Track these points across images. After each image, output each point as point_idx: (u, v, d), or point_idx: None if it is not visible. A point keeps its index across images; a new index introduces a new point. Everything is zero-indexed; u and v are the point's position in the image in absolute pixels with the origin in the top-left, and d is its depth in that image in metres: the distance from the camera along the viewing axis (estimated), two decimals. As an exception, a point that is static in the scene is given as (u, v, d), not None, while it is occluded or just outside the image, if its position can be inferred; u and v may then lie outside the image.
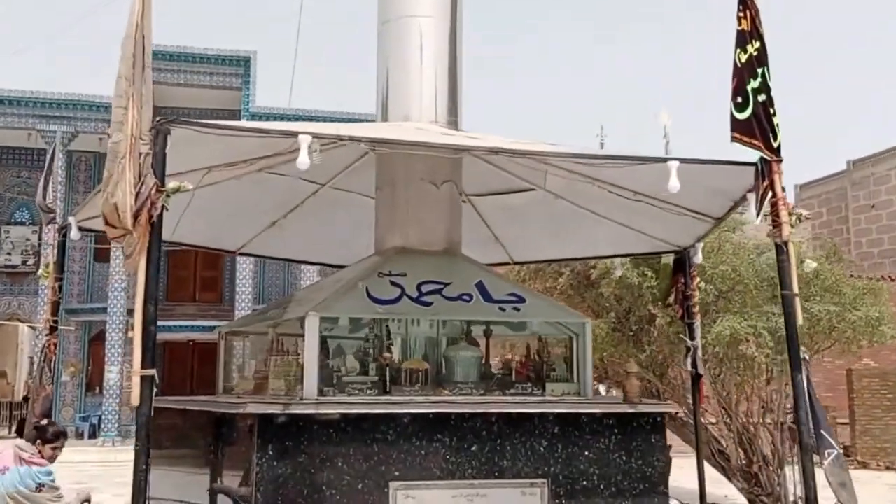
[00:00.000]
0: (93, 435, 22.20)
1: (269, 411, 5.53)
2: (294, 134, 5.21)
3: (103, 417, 22.00)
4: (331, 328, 6.54)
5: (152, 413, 4.80)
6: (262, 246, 9.36)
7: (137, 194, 4.76)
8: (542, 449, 5.94)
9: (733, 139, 5.77)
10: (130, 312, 22.79)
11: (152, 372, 4.77)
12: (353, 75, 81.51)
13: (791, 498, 11.10)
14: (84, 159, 26.21)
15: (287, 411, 5.56)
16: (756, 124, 5.71)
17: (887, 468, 19.00)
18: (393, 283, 6.69)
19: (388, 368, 6.34)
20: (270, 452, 5.52)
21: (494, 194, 8.81)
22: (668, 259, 9.38)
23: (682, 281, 9.08)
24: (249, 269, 23.75)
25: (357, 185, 8.70)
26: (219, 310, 25.80)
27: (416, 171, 7.41)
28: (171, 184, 4.91)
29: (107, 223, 4.76)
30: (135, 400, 4.71)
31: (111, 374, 21.81)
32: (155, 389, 4.80)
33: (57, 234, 7.51)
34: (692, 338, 8.85)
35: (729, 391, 15.68)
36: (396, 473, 5.72)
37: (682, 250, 9.03)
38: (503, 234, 9.38)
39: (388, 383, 6.29)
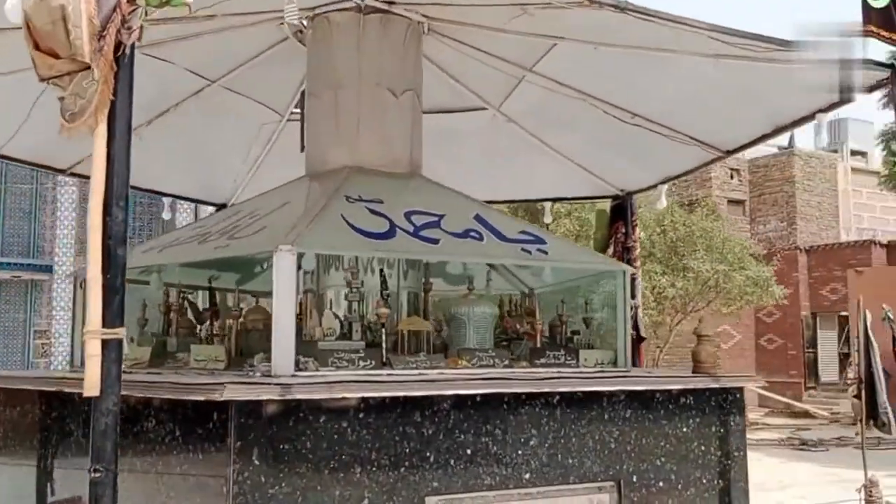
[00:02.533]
0: None
1: (262, 397, 3.43)
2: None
3: None
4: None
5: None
6: (104, 165, 6.82)
7: (98, 1, 2.53)
8: (612, 441, 4.32)
9: (866, 33, 4.46)
10: None
11: (121, 333, 2.58)
12: None
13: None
14: None
15: (288, 396, 3.48)
16: None
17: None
18: (373, 212, 4.73)
19: (384, 330, 4.41)
20: (256, 461, 3.44)
21: (426, 113, 6.97)
22: (605, 205, 8.15)
23: (623, 230, 7.94)
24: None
25: (256, 89, 6.53)
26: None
27: (370, 73, 5.47)
28: (154, -10, 2.69)
29: (38, 47, 2.47)
30: (92, 386, 2.49)
31: None
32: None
33: None
34: (633, 296, 7.71)
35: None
36: (434, 484, 3.84)
37: (623, 195, 7.82)
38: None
39: (384, 351, 4.36)
